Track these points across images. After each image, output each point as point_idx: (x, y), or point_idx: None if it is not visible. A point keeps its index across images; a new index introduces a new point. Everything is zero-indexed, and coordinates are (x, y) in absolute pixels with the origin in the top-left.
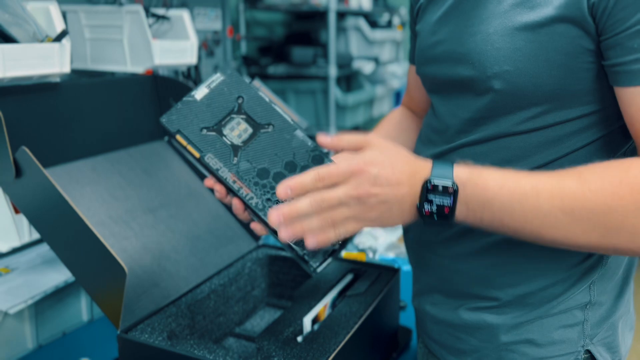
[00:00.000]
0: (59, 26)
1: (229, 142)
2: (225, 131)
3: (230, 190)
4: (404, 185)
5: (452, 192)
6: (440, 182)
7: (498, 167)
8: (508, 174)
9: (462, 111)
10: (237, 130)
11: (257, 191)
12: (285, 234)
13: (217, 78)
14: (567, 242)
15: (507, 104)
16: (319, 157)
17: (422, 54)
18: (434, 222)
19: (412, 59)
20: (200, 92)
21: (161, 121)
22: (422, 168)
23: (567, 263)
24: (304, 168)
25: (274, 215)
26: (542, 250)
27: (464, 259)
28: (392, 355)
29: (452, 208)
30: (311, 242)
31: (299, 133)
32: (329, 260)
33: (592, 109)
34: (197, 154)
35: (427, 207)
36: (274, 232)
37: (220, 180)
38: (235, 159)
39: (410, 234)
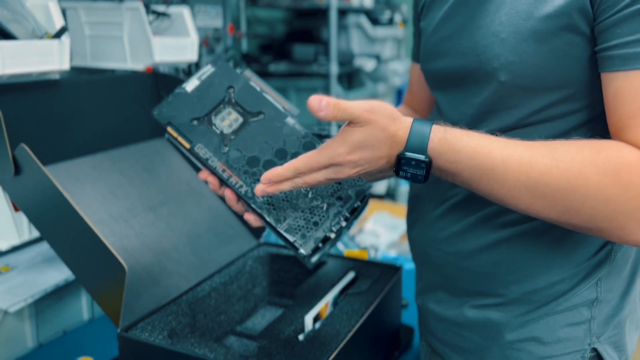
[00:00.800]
0: (59, 23)
1: (218, 132)
2: (216, 121)
3: (221, 181)
4: (383, 158)
5: (424, 165)
6: (413, 157)
7: (476, 132)
8: (482, 142)
9: (467, 107)
10: (227, 120)
11: (247, 179)
12: (258, 189)
13: (208, 70)
14: (528, 213)
15: (513, 97)
16: (310, 143)
17: (428, 50)
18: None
19: (415, 57)
20: (191, 84)
21: (153, 114)
22: (400, 139)
23: (575, 259)
24: (294, 155)
25: (259, 188)
26: (549, 247)
27: (469, 255)
28: (393, 354)
29: (424, 176)
30: (259, 187)
31: (290, 120)
32: (324, 249)
33: (598, 100)
34: (187, 145)
35: (402, 174)
36: (265, 222)
37: (211, 170)
38: (226, 148)
39: (414, 231)
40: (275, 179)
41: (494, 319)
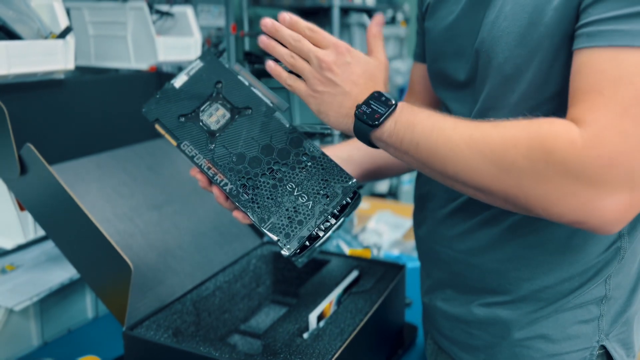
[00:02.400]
0: (63, 23)
1: (205, 129)
2: (203, 117)
3: (208, 178)
4: (359, 86)
5: (391, 105)
6: (386, 95)
7: None
8: (440, 113)
9: (474, 103)
10: (214, 116)
11: (232, 177)
12: (261, 41)
13: (197, 65)
14: (465, 178)
15: (517, 91)
16: (297, 138)
17: (437, 50)
18: (359, 127)
19: (417, 56)
20: (179, 80)
21: (142, 111)
22: (382, 86)
23: (585, 257)
24: (281, 151)
25: (266, 20)
26: (559, 244)
27: (479, 253)
28: (397, 352)
29: (383, 115)
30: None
31: (278, 115)
32: (312, 248)
33: None
34: (174, 142)
35: (364, 108)
36: (253, 221)
37: (197, 167)
38: (212, 145)
39: (422, 230)
40: (292, 21)
41: (503, 317)
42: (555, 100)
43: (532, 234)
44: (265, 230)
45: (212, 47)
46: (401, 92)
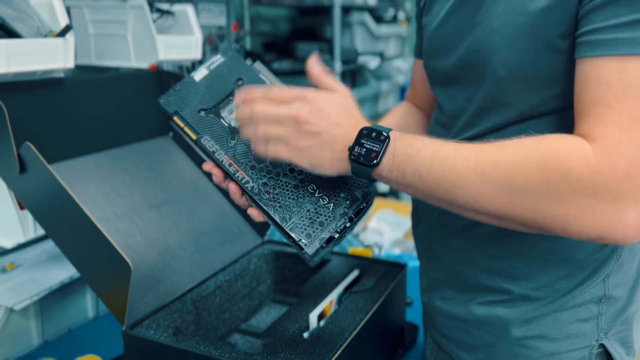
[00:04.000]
0: (63, 21)
1: (226, 125)
2: (224, 113)
3: (227, 174)
4: (343, 127)
5: (384, 139)
6: (376, 128)
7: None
8: (437, 139)
9: (468, 103)
10: (235, 113)
11: (254, 175)
12: (238, 97)
13: (218, 59)
14: (476, 206)
15: (511, 91)
16: None
17: (430, 47)
18: (359, 169)
19: (418, 54)
20: (199, 74)
21: (159, 102)
22: (364, 122)
23: (580, 254)
24: None
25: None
26: (555, 241)
27: (476, 250)
28: (398, 352)
29: (379, 153)
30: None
31: None
32: (327, 249)
33: None
34: (193, 136)
35: (357, 149)
36: (270, 218)
37: (216, 163)
38: (233, 141)
39: (419, 228)
40: (246, 97)
41: (502, 316)
42: (553, 101)
43: (527, 233)
44: (287, 230)
45: (235, 41)
46: (402, 91)
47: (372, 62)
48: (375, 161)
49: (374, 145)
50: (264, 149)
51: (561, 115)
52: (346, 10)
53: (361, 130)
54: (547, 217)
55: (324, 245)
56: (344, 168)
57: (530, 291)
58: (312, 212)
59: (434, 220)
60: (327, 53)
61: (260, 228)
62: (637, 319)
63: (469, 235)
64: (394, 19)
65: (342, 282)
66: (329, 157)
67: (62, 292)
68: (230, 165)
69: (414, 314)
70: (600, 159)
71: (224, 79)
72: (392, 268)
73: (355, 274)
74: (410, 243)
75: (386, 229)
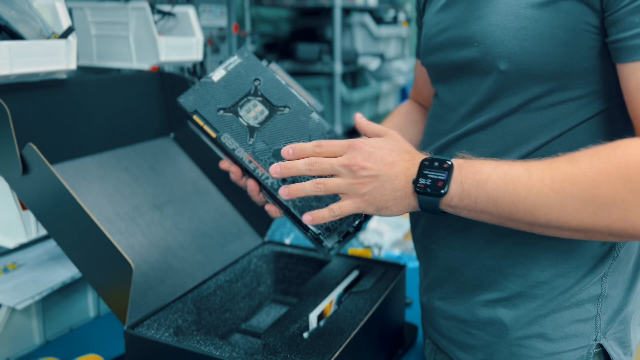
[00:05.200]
0: (65, 23)
1: (245, 123)
2: (242, 112)
3: (245, 171)
4: (398, 164)
5: (448, 167)
6: (437, 157)
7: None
8: (502, 161)
9: (467, 96)
10: (253, 112)
11: None
12: (283, 192)
13: (235, 60)
14: (560, 223)
15: (513, 85)
16: (335, 138)
17: (427, 42)
18: (427, 201)
19: (418, 54)
20: (217, 74)
21: (178, 101)
22: (423, 155)
23: (578, 252)
24: None
25: (274, 167)
26: (553, 240)
27: (474, 250)
28: (397, 352)
29: (446, 181)
30: (306, 218)
31: (315, 116)
32: (344, 243)
33: (595, 88)
34: (213, 134)
35: (422, 181)
36: (289, 214)
37: (236, 160)
38: (252, 139)
39: (418, 228)
40: (295, 147)
41: (501, 316)
42: (552, 94)
43: (524, 232)
44: (307, 224)
45: (251, 42)
46: (403, 92)
47: (373, 63)
48: (443, 190)
49: (438, 174)
50: (327, 215)
51: (563, 107)
52: (346, 11)
53: (422, 162)
54: (638, 224)
55: (341, 239)
56: (411, 205)
57: (529, 289)
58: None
59: (431, 221)
60: (328, 54)
61: (260, 228)
62: (634, 319)
63: (467, 235)
64: (394, 20)
65: (342, 282)
66: (392, 197)
67: (64, 292)
68: (250, 162)
69: (413, 315)
70: None
71: (242, 79)
72: (391, 269)
73: (355, 274)
74: (410, 244)
75: (386, 230)
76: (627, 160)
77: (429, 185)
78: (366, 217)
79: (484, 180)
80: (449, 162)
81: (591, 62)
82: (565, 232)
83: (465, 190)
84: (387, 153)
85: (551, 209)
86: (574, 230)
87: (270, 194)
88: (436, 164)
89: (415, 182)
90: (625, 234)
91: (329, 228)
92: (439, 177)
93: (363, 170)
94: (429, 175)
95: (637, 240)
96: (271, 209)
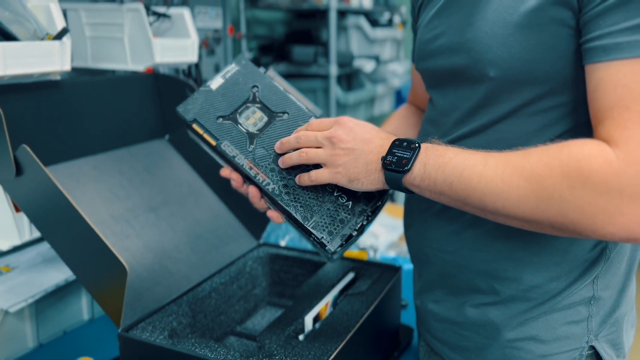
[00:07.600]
0: (60, 24)
1: (244, 130)
2: (241, 119)
3: (246, 178)
4: (373, 142)
5: (414, 148)
6: (407, 139)
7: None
8: (467, 149)
9: (460, 102)
10: (252, 119)
11: (274, 177)
12: (281, 161)
13: (232, 68)
14: (507, 212)
15: (503, 91)
16: None
17: (422, 48)
18: (391, 177)
19: (414, 58)
20: (215, 82)
21: (177, 110)
22: (392, 138)
23: (570, 256)
24: None
25: (279, 144)
26: (545, 244)
27: (466, 253)
28: (393, 354)
29: (410, 159)
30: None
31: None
32: (345, 247)
33: (584, 93)
34: (213, 142)
35: (389, 157)
36: (291, 219)
37: (236, 167)
38: (251, 146)
39: (411, 232)
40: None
41: (493, 318)
42: (540, 100)
43: (516, 235)
44: (309, 228)
45: (248, 50)
46: (398, 94)
47: (368, 66)
48: (406, 167)
49: (404, 153)
50: (307, 178)
51: (552, 112)
52: (342, 13)
53: (393, 142)
54: (576, 221)
55: (343, 242)
56: (379, 179)
57: (521, 293)
58: (332, 210)
59: (424, 224)
60: (323, 56)
61: (255, 231)
62: (626, 321)
63: (459, 239)
64: (390, 23)
65: (337, 284)
66: (363, 170)
67: (58, 295)
68: (251, 168)
69: (408, 317)
70: (623, 162)
71: (240, 86)
72: (387, 271)
73: (350, 276)
74: (405, 246)
75: (381, 232)
76: (569, 158)
77: (394, 162)
78: (368, 220)
79: (444, 164)
80: (417, 144)
81: (577, 66)
82: (514, 222)
83: (427, 171)
84: (367, 131)
85: (498, 198)
86: (520, 219)
87: (272, 199)
88: (405, 144)
89: (384, 158)
90: (566, 230)
91: (331, 232)
92: (404, 156)
93: (342, 142)
94: (396, 154)
95: (577, 236)
96: (273, 215)
